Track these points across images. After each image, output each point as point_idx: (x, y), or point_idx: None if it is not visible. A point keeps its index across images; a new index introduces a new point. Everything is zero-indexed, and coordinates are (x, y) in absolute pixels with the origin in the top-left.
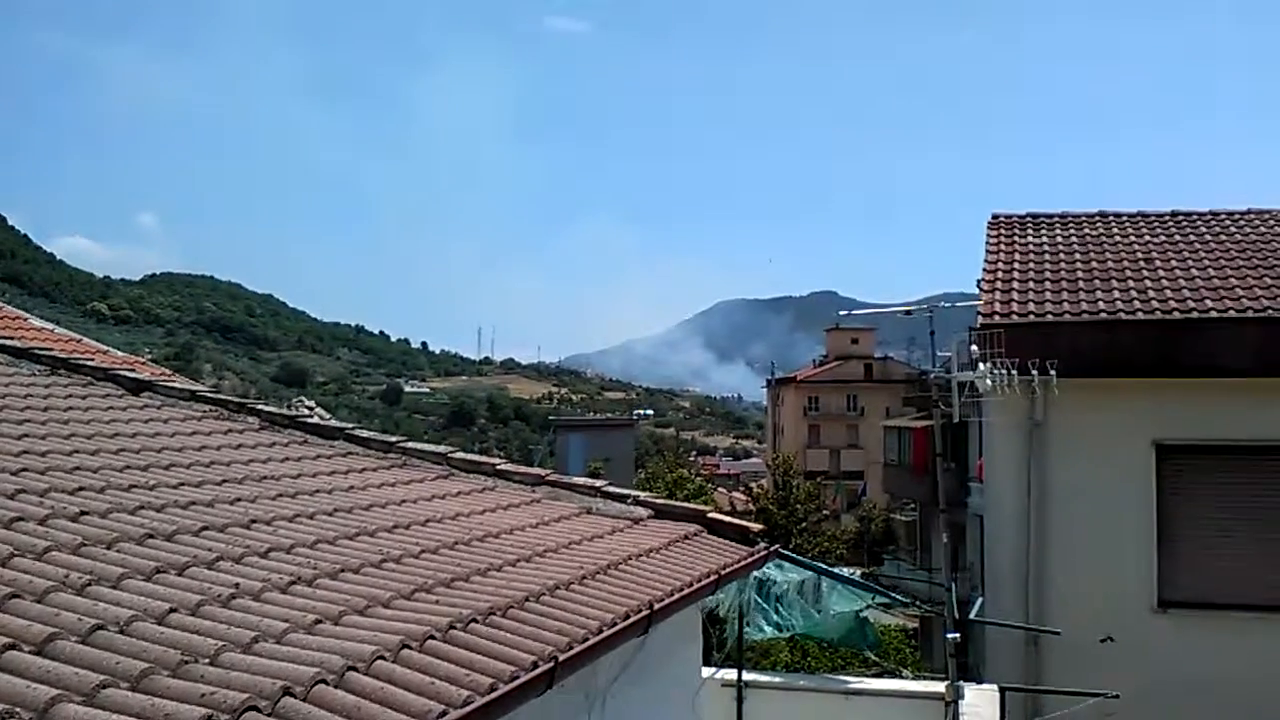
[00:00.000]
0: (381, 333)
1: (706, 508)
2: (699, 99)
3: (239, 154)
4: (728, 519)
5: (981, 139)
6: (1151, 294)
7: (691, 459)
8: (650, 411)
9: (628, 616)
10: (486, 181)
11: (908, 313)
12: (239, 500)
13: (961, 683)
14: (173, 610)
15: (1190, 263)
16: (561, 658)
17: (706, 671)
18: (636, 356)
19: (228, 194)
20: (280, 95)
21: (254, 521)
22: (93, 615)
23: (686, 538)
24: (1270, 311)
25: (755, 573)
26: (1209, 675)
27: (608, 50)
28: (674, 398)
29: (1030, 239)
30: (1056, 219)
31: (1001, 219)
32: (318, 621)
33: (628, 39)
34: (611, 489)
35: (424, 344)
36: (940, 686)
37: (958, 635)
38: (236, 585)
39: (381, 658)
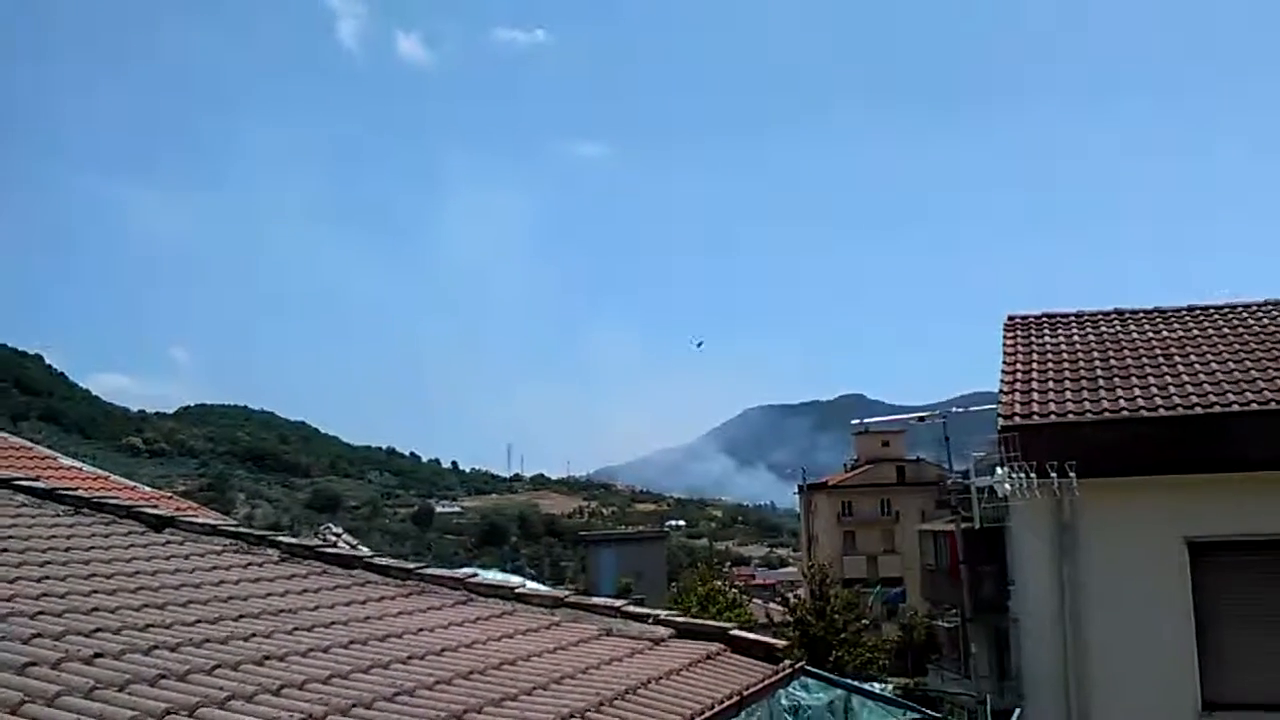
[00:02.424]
0: (412, 454)
1: (730, 625)
2: (720, 209)
3: (268, 283)
4: (752, 636)
5: (1002, 239)
6: (1172, 390)
7: (725, 570)
8: (682, 522)
9: None
10: (510, 299)
11: (921, 419)
12: (254, 636)
13: None
14: None
15: (1209, 357)
16: None
17: None
18: (663, 466)
19: (259, 324)
20: (303, 224)
21: (268, 657)
22: None
23: (709, 657)
24: None
25: (783, 691)
26: None
27: (627, 169)
28: (705, 507)
29: (1047, 339)
30: (1073, 318)
31: (1018, 320)
32: None
33: (646, 157)
34: (632, 609)
35: (454, 463)
36: None
37: None
38: None
39: None
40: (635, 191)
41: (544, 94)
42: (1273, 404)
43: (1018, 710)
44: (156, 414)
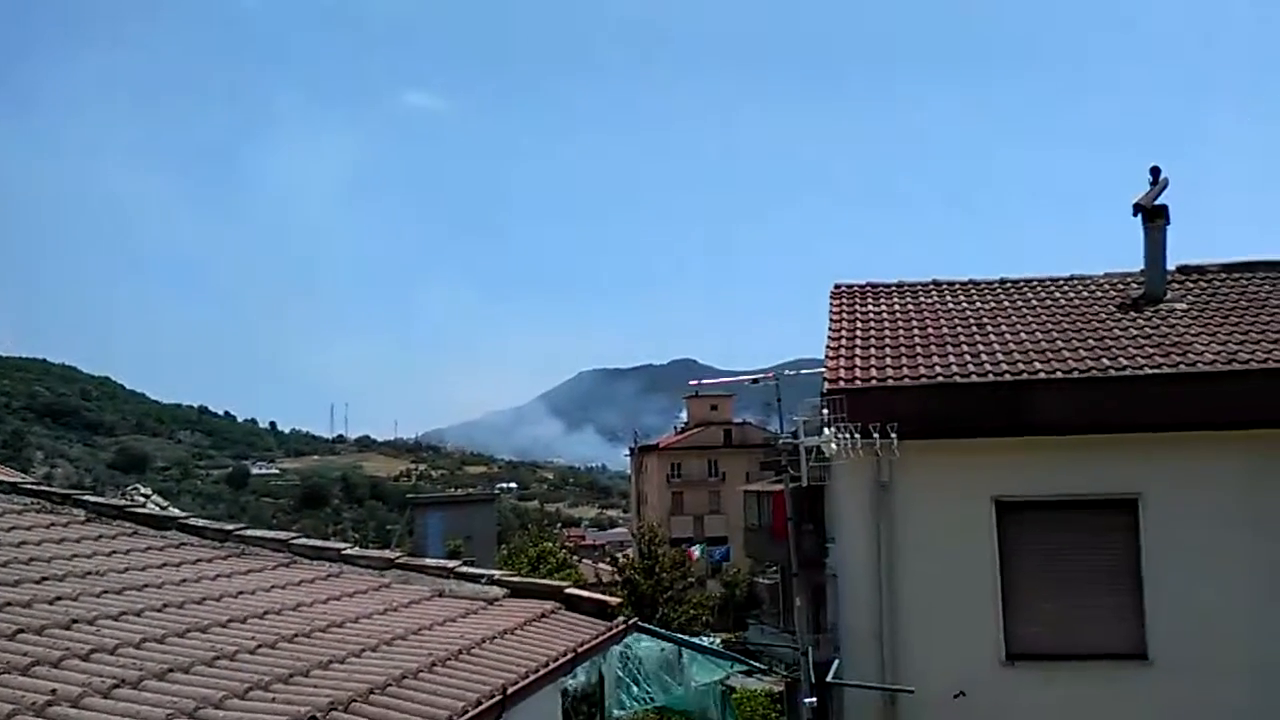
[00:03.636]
0: (227, 413)
1: (564, 584)
2: (557, 174)
3: (71, 229)
4: (586, 594)
5: (832, 212)
6: (984, 357)
7: (556, 532)
8: (513, 485)
9: (479, 703)
10: (337, 255)
11: (754, 381)
12: (59, 599)
13: None
14: None
15: (1019, 327)
16: None
17: None
18: (494, 429)
19: (60, 272)
20: (115, 166)
21: (75, 621)
22: None
23: (543, 616)
24: (1094, 372)
25: (618, 646)
26: None
27: (464, 126)
28: (537, 469)
29: (870, 307)
30: (894, 287)
31: (843, 288)
32: None
33: (485, 116)
34: (465, 569)
35: (273, 424)
36: None
37: (814, 700)
38: (53, 691)
39: None
40: (473, 149)
41: (385, 37)
42: (1075, 373)
43: (836, 662)
44: None
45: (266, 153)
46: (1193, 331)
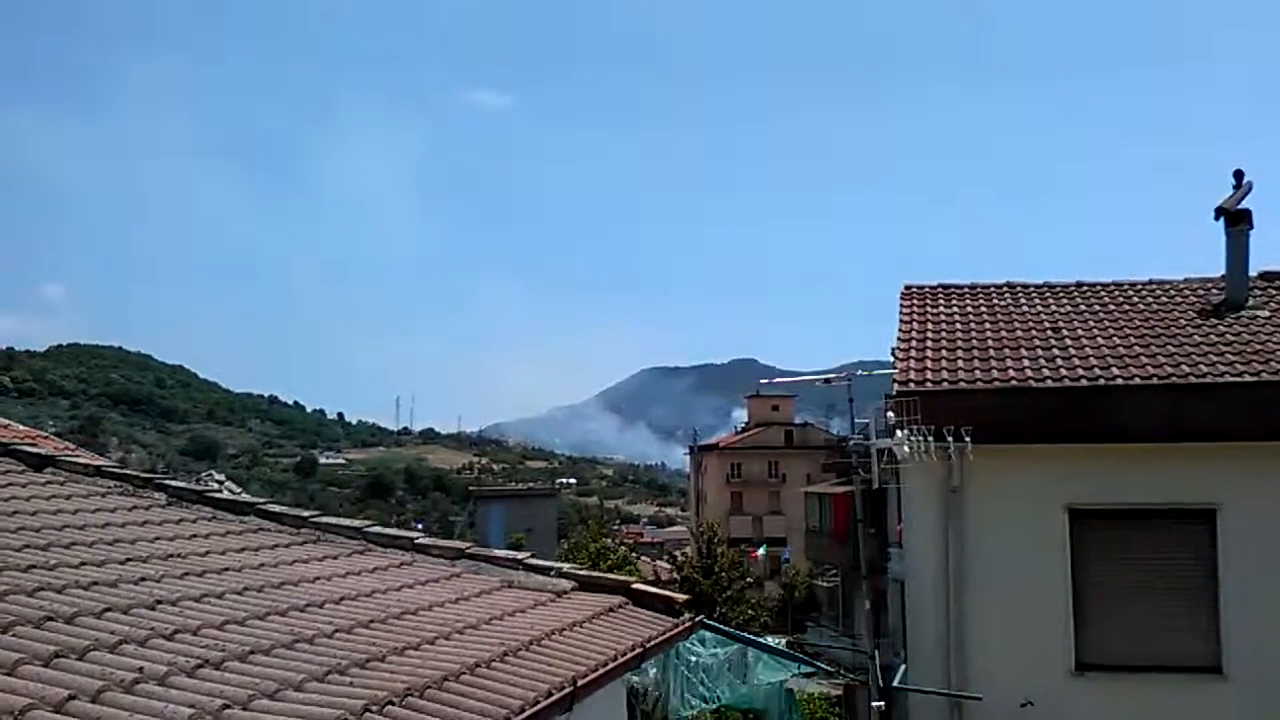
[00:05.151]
0: (296, 403)
1: (631, 579)
2: (621, 173)
3: (148, 222)
4: (652, 590)
5: (895, 210)
6: (1060, 362)
7: (615, 528)
8: (573, 480)
9: (550, 694)
10: (403, 250)
11: (826, 382)
12: (144, 580)
13: None
14: (72, 698)
15: (1096, 332)
16: None
17: None
18: (554, 424)
19: (137, 263)
20: (190, 162)
21: (159, 602)
22: None
23: (611, 610)
24: (1173, 379)
25: (681, 644)
26: None
27: (528, 124)
28: (596, 465)
29: (942, 309)
30: (966, 289)
31: (914, 289)
32: (225, 707)
33: (549, 114)
34: (534, 561)
35: (340, 414)
36: None
37: (882, 704)
38: (140, 669)
39: None
40: (537, 147)
41: (450, 35)
42: (1154, 379)
43: (902, 668)
44: (26, 352)
45: (335, 149)
46: (1275, 339)
